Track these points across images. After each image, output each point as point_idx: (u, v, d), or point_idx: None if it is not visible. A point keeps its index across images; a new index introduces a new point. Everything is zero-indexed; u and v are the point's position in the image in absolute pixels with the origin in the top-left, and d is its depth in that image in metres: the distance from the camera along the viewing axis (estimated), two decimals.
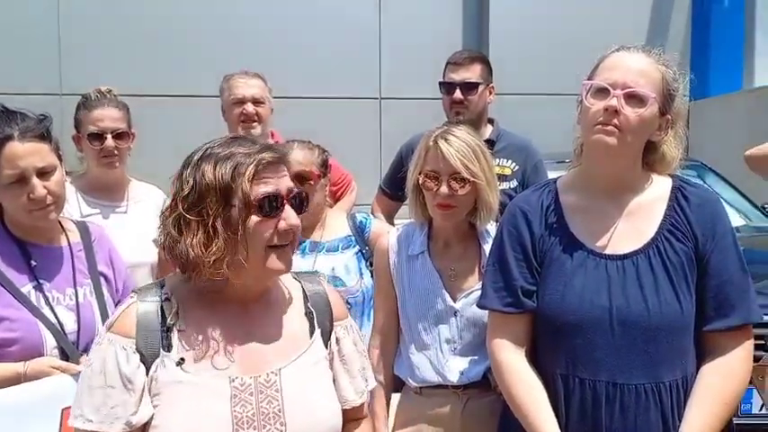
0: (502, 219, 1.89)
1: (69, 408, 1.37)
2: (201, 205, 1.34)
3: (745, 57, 8.35)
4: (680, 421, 1.63)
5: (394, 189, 3.18)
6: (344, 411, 1.52)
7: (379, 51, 7.77)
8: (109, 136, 2.62)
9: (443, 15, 7.80)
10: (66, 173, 2.04)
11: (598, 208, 1.75)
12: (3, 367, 1.80)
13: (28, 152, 1.86)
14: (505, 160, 2.98)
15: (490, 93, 3.08)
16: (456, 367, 2.06)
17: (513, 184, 2.95)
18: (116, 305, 2.00)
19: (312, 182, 2.41)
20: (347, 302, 2.30)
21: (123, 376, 1.31)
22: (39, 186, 1.87)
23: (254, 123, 3.10)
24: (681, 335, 1.66)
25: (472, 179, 2.01)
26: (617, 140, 1.63)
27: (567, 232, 1.76)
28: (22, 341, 1.83)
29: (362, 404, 1.59)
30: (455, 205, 2.05)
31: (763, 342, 2.82)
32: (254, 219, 1.36)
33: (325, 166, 2.49)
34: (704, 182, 4.56)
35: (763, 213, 4.81)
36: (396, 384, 2.20)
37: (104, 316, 1.98)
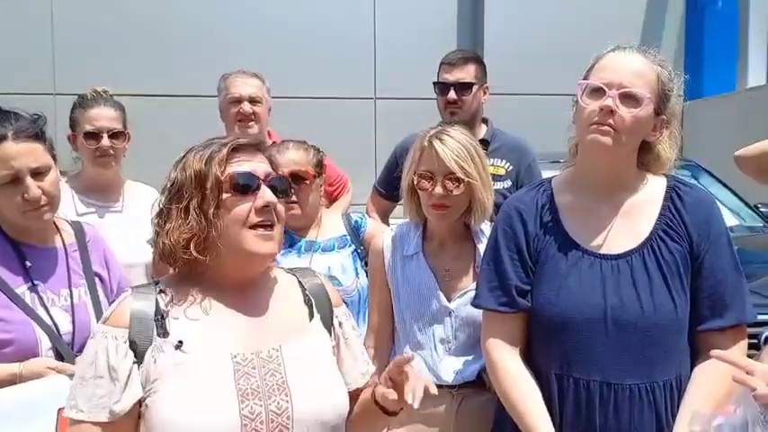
0: (497, 218, 1.89)
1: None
2: (179, 194, 1.37)
3: (739, 57, 8.39)
4: (674, 421, 1.64)
5: (388, 189, 3.19)
6: (350, 394, 1.50)
7: (374, 51, 7.77)
8: (105, 135, 2.62)
9: (438, 15, 7.81)
10: (60, 173, 2.04)
11: (593, 208, 1.75)
12: None
13: (22, 152, 1.84)
14: (499, 160, 2.99)
15: (484, 93, 3.09)
16: (451, 367, 2.06)
17: (508, 183, 2.96)
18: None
19: (307, 182, 2.41)
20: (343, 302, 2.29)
21: (110, 367, 1.31)
22: (33, 187, 1.86)
23: (251, 123, 3.07)
24: (675, 335, 1.67)
25: (467, 179, 2.02)
26: (612, 140, 1.63)
27: (562, 232, 1.76)
28: (16, 342, 1.82)
29: (366, 385, 1.57)
30: (450, 205, 2.05)
31: (756, 341, 2.83)
32: (227, 196, 1.37)
33: (320, 166, 2.49)
34: (698, 182, 4.56)
35: (757, 213, 4.83)
36: None
37: (99, 316, 1.95)
